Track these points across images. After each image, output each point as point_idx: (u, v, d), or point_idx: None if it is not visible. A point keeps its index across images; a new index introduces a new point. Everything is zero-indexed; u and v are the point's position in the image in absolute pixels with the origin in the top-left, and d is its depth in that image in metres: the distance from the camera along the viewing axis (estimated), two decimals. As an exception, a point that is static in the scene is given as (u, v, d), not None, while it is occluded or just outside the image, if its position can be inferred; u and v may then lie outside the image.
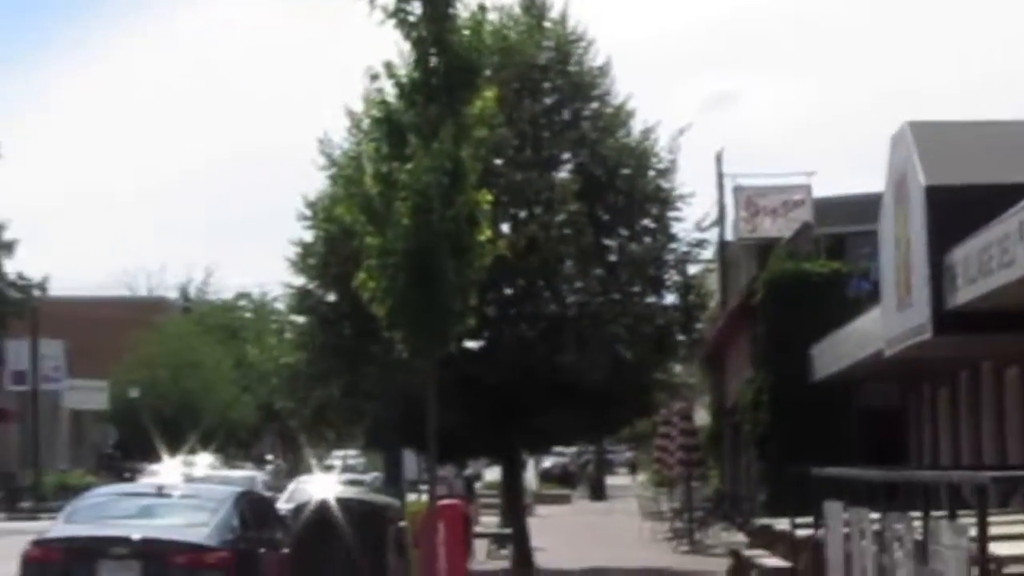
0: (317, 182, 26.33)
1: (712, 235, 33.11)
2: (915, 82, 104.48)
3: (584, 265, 26.02)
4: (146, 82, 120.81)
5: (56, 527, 16.33)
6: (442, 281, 15.84)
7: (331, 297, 26.16)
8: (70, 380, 58.19)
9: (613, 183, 26.38)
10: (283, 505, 23.45)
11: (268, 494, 27.69)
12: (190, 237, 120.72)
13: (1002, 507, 15.09)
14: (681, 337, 27.44)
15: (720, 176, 40.33)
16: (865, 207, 24.88)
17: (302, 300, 26.83)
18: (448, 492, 29.46)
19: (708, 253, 30.71)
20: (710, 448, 40.84)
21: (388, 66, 16.34)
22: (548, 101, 26.65)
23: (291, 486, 31.85)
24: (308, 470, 43.87)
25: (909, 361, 21.30)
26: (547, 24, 26.91)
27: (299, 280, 26.64)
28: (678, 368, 31.70)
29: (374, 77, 16.39)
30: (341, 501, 15.80)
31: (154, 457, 48.34)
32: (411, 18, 16.06)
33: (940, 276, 17.46)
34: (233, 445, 64.92)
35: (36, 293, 55.18)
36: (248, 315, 77.46)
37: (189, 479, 34.89)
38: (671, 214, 26.83)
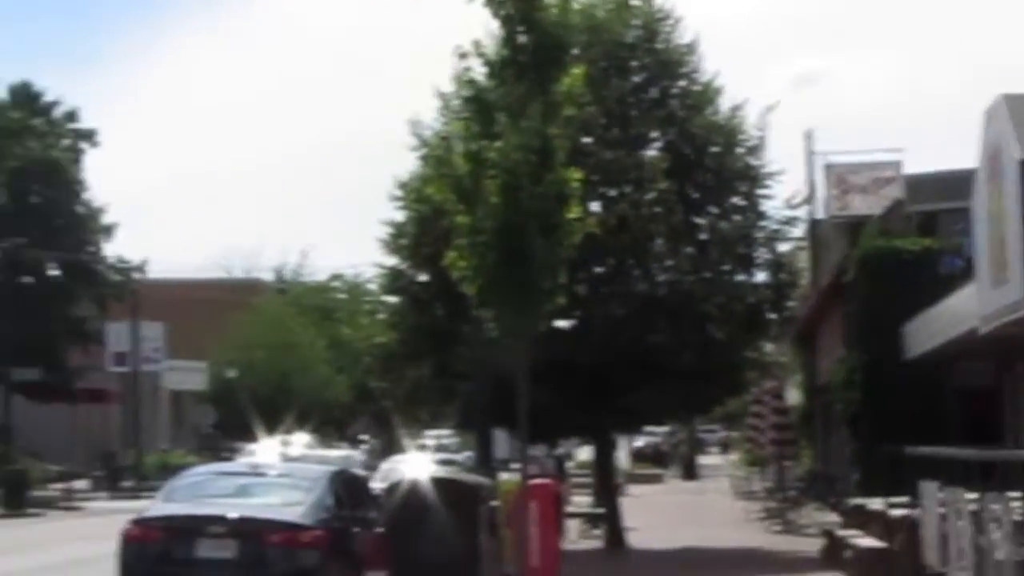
0: (408, 163, 26.52)
1: (802, 213, 32.86)
2: (1009, 55, 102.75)
3: (674, 244, 25.95)
4: (241, 66, 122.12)
5: (154, 506, 16.54)
6: (532, 259, 15.88)
7: (422, 277, 26.31)
8: (170, 361, 58.99)
9: (702, 161, 26.27)
10: (377, 484, 23.65)
11: (364, 473, 27.94)
12: (286, 219, 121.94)
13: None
14: (772, 316, 27.31)
15: (810, 154, 40.05)
16: (958, 183, 24.54)
17: (394, 280, 27.01)
18: (540, 472, 29.50)
19: (798, 231, 30.51)
20: (802, 427, 40.54)
21: (476, 45, 16.41)
22: (636, 79, 26.58)
23: (385, 466, 32.06)
24: (401, 450, 44.14)
25: (1004, 339, 20.98)
26: (634, 2, 26.82)
27: (391, 261, 26.85)
28: (769, 347, 31.52)
29: (463, 56, 16.46)
30: (434, 481, 15.89)
31: (251, 437, 48.90)
32: (499, -4, 16.11)
33: (1036, 251, 17.17)
34: (328, 425, 65.46)
35: (136, 276, 55.97)
36: (342, 296, 78.00)
37: (285, 459, 35.30)
38: (760, 192, 26.70)
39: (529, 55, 16.14)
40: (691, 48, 26.80)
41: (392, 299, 27.73)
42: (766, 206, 26.82)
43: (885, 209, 33.51)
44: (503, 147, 15.79)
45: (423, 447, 50.29)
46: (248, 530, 15.36)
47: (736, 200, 26.59)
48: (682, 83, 26.72)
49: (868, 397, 28.88)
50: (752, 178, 26.55)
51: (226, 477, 17.20)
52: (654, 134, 26.57)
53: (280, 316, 66.94)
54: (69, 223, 52.91)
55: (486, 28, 16.41)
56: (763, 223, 26.79)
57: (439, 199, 17.40)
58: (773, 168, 26.80)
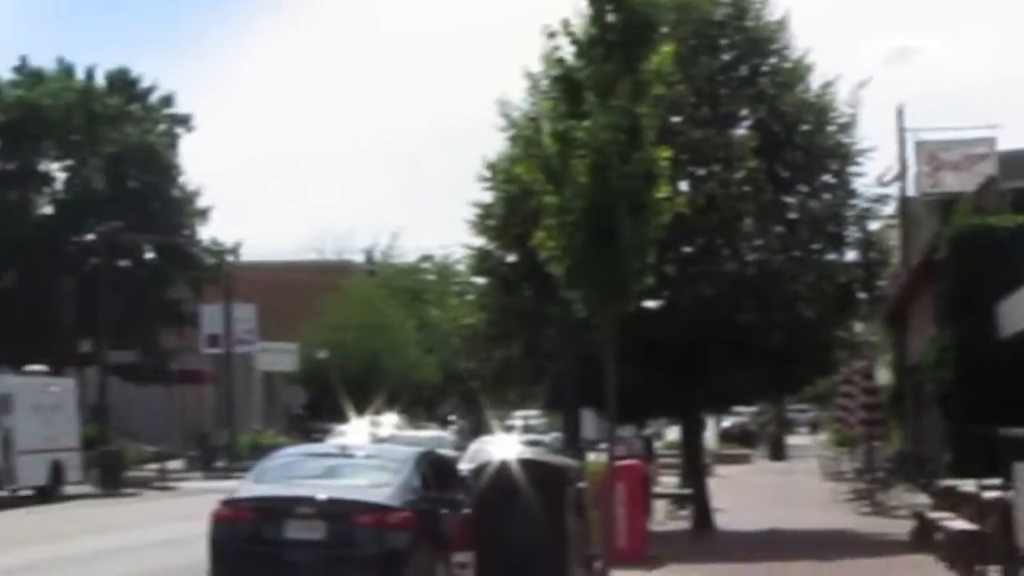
0: (497, 144, 26.52)
1: (893, 191, 32.54)
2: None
3: (764, 223, 25.78)
4: (332, 49, 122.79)
5: (244, 487, 16.68)
6: (620, 239, 15.85)
7: (511, 258, 26.32)
8: (262, 343, 59.54)
9: (792, 139, 26.05)
10: (464, 465, 23.69)
11: (454, 454, 28.00)
12: (377, 201, 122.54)
13: None
14: (862, 295, 27.06)
15: (901, 131, 39.63)
16: (1054, 159, 24.13)
17: (482, 261, 27.06)
18: (627, 452, 29.44)
19: (889, 209, 30.16)
20: (892, 407, 40.12)
21: (565, 24, 16.38)
22: (725, 57, 26.37)
23: (472, 446, 32.14)
24: (489, 430, 44.24)
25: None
26: (724, -21, 26.59)
27: (479, 241, 26.89)
28: (859, 326, 31.21)
29: (551, 35, 16.45)
30: (521, 462, 15.86)
31: (341, 418, 49.25)
32: (588, -26, 16.06)
33: None
34: (417, 406, 65.77)
35: (229, 259, 56.53)
36: (431, 277, 78.31)
37: (375, 439, 35.50)
38: (851, 170, 26.43)
39: (618, 34, 16.09)
40: (781, 25, 26.54)
41: (480, 280, 27.79)
42: (857, 184, 26.61)
43: (978, 186, 33.03)
44: (592, 126, 15.77)
45: (510, 428, 50.36)
46: (336, 511, 15.45)
47: (827, 178, 26.34)
48: (772, 60, 26.47)
49: (960, 377, 28.48)
50: (843, 156, 26.28)
51: (315, 458, 17.31)
52: (743, 112, 26.37)
53: (370, 297, 67.31)
54: (165, 207, 53.54)
55: (575, 7, 16.42)
56: (854, 201, 26.53)
57: (528, 179, 17.41)
58: (864, 145, 26.57)
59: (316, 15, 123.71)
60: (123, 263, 51.89)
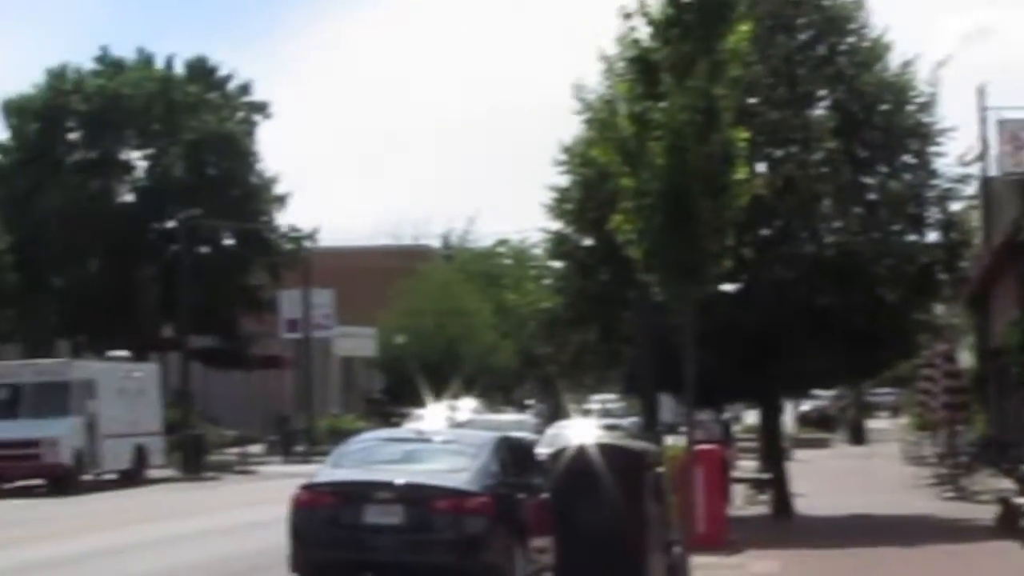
0: (573, 127, 26.45)
1: (975, 170, 32.08)
2: None
3: (842, 204, 25.54)
4: (406, 35, 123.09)
5: (323, 472, 16.74)
6: (698, 221, 15.75)
7: (587, 241, 26.25)
8: (340, 328, 59.88)
9: (871, 119, 25.76)
10: (542, 450, 23.68)
11: (533, 438, 27.99)
12: (453, 186, 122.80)
13: None
14: (944, 276, 26.71)
15: (983, 110, 39.08)
16: None
17: (559, 245, 27.01)
18: (706, 437, 29.28)
19: (971, 189, 29.73)
20: (975, 391, 39.60)
21: (641, 4, 16.28)
22: (803, 37, 26.11)
23: (550, 431, 32.12)
24: (566, 415, 44.20)
25: None
26: (801, -42, 26.31)
27: (556, 225, 26.82)
28: (941, 309, 30.84)
29: (627, 16, 16.36)
30: (600, 446, 15.79)
31: (419, 402, 49.43)
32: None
33: None
34: (493, 390, 65.89)
35: (307, 244, 56.87)
36: (507, 261, 78.36)
37: (453, 424, 35.59)
38: (932, 149, 26.09)
39: (694, 13, 15.98)
40: (859, 3, 26.24)
41: (557, 264, 27.74)
42: (937, 164, 26.26)
43: (1062, 166, 32.53)
44: (669, 108, 15.69)
45: (587, 412, 50.33)
46: (415, 496, 15.49)
47: (906, 158, 26.04)
48: (850, 39, 26.18)
49: (1045, 360, 28.07)
50: (923, 135, 25.96)
51: (393, 443, 17.33)
52: (821, 92, 26.10)
53: (447, 282, 67.49)
54: (244, 194, 53.93)
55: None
56: (934, 181, 26.19)
57: (604, 162, 17.33)
58: (945, 125, 26.21)
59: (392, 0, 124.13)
60: (203, 250, 52.36)
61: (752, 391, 28.17)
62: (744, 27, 16.24)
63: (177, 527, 25.79)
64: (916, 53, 26.26)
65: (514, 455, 17.08)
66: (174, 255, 49.92)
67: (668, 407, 36.93)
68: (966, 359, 42.93)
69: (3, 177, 49.30)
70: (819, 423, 63.92)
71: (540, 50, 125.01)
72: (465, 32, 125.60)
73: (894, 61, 26.08)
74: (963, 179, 27.01)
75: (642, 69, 16.37)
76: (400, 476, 15.75)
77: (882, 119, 25.76)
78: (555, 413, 54.23)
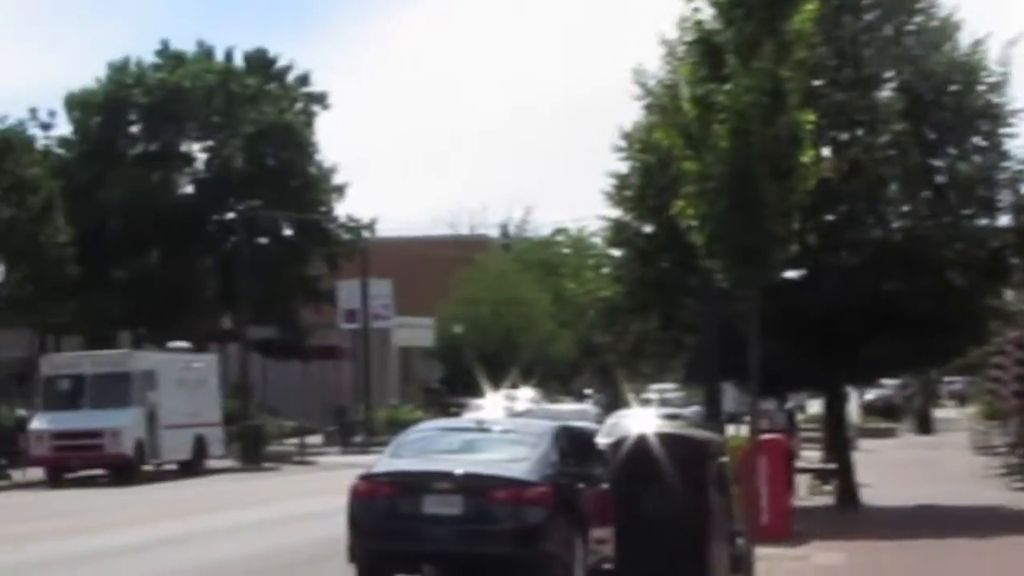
0: (632, 113, 26.15)
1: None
2: None
3: (910, 188, 25.12)
4: (464, 24, 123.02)
5: (382, 462, 16.59)
6: (763, 205, 15.43)
7: (647, 229, 25.96)
8: (398, 318, 59.84)
9: (940, 100, 25.26)
10: (602, 440, 23.37)
11: (592, 427, 27.68)
12: (511, 175, 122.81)
13: None
14: (1015, 261, 26.21)
15: (1055, 91, 38.41)
16: None
17: (618, 233, 26.72)
18: (769, 426, 28.89)
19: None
20: (1048, 379, 38.92)
21: (704, -15, 15.93)
22: (869, 17, 25.66)
23: (609, 421, 31.81)
24: (626, 404, 43.86)
25: None
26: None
27: (615, 213, 26.55)
28: (1012, 294, 30.27)
29: (690, -2, 16.03)
30: (660, 436, 15.48)
31: (478, 392, 49.27)
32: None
33: None
34: (552, 380, 65.66)
35: (365, 234, 56.90)
36: (566, 250, 78.12)
37: (511, 413, 35.34)
38: (1004, 131, 25.58)
39: (759, -7, 15.61)
40: (927, -19, 25.73)
41: (617, 252, 27.47)
42: (1009, 145, 25.75)
43: None
44: (733, 90, 15.41)
45: (647, 401, 49.95)
46: (473, 486, 15.29)
47: (977, 140, 25.55)
48: (918, 19, 25.70)
49: (1120, 347, 27.49)
50: (994, 116, 25.46)
51: (452, 433, 17.17)
52: (888, 74, 25.64)
53: (504, 272, 67.34)
54: (302, 184, 54.04)
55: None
56: (1006, 163, 25.69)
57: (667, 145, 17.05)
58: (1017, 105, 25.69)
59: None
60: (262, 240, 52.50)
61: (816, 379, 27.81)
62: (809, 7, 15.93)
63: (236, 517, 25.77)
64: (987, 31, 25.75)
65: (574, 444, 16.83)
66: (234, 246, 50.07)
67: (730, 396, 36.51)
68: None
69: (66, 170, 49.56)
70: (884, 412, 63.21)
71: (596, 37, 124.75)
72: (521, 21, 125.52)
73: (964, 40, 25.57)
74: (1035, 161, 26.46)
75: (705, 51, 16.10)
76: (459, 466, 15.55)
77: (951, 100, 25.27)
78: (614, 403, 53.93)
